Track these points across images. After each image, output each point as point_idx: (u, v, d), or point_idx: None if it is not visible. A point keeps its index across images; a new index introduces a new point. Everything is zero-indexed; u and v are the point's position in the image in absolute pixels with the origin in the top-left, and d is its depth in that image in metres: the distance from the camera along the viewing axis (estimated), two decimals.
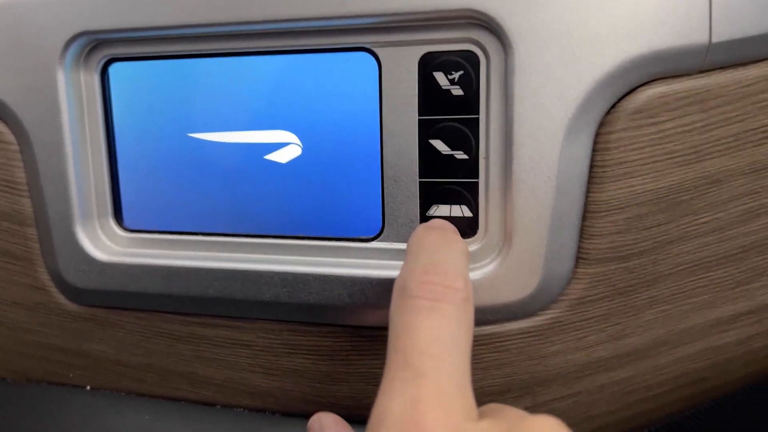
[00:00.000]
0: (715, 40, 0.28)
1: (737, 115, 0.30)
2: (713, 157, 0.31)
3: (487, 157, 0.32)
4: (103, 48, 0.36)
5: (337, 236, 0.35)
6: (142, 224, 0.38)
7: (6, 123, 0.37)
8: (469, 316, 0.25)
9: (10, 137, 0.38)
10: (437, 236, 0.29)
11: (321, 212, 0.35)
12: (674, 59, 0.29)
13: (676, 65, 0.29)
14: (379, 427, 0.21)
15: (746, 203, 0.32)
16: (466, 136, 0.32)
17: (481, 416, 0.23)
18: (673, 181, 0.31)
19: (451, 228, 0.31)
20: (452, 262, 0.26)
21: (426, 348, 0.23)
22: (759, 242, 0.34)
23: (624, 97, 0.30)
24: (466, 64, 0.31)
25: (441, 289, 0.24)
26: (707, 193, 0.32)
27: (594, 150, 0.30)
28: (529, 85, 0.29)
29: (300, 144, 0.35)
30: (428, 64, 0.32)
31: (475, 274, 0.32)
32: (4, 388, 0.43)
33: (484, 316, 0.33)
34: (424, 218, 0.33)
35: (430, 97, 0.32)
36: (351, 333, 0.35)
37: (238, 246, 0.36)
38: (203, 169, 0.36)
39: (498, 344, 0.34)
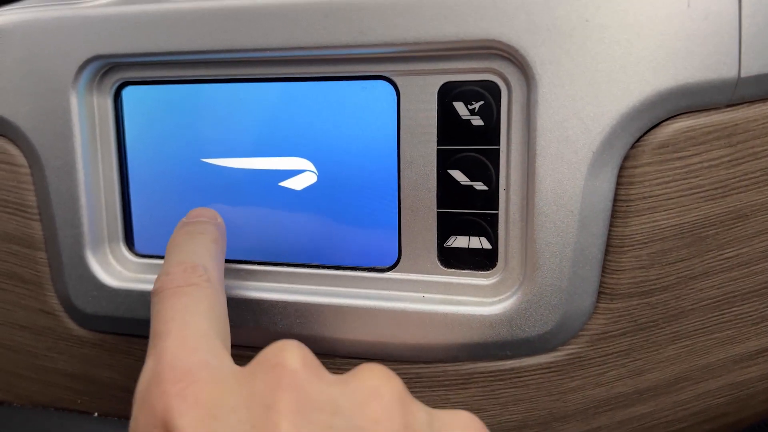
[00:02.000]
0: (744, 74, 0.28)
1: (765, 150, 0.30)
2: (739, 192, 0.30)
3: (507, 189, 0.31)
4: (116, 72, 0.35)
5: (353, 266, 0.34)
6: (154, 249, 0.37)
7: (18, 146, 0.37)
8: (212, 291, 0.27)
9: (22, 160, 0.37)
10: (183, 233, 0.30)
11: (336, 241, 0.34)
12: (702, 93, 0.28)
13: (703, 99, 0.28)
14: (135, 393, 0.23)
15: None
16: (486, 167, 0.31)
17: None
18: (698, 216, 0.30)
19: (204, 217, 0.32)
20: (193, 254, 0.28)
21: (169, 317, 0.24)
22: None
23: (649, 131, 0.29)
24: (487, 95, 0.31)
25: (180, 278, 0.26)
26: (733, 227, 0.31)
27: (618, 184, 0.30)
28: (553, 118, 0.29)
29: (315, 171, 0.34)
30: (448, 94, 0.31)
31: (494, 308, 0.31)
32: (9, 413, 0.43)
33: (503, 351, 0.32)
34: (442, 249, 0.33)
35: (449, 126, 0.32)
36: None
37: (251, 274, 0.36)
38: (216, 194, 0.36)
39: (516, 379, 0.33)
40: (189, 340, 0.23)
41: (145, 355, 0.24)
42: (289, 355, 0.22)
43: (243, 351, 0.36)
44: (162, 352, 0.23)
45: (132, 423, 0.22)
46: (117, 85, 0.36)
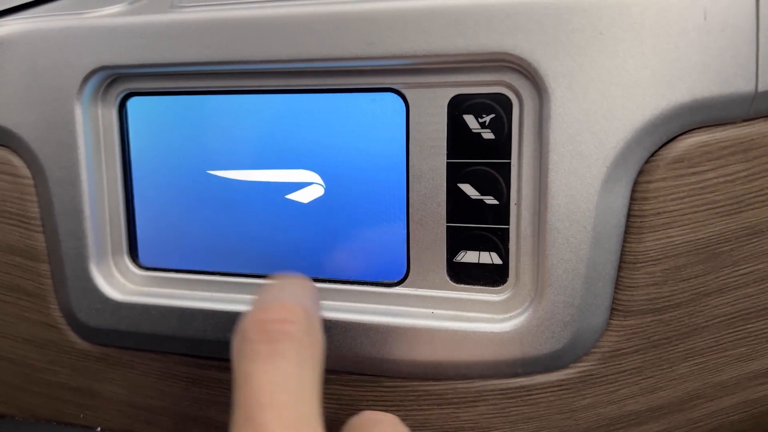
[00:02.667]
0: (761, 88, 0.27)
1: None
2: (755, 208, 0.30)
3: (518, 204, 0.31)
4: (121, 83, 0.35)
5: (360, 280, 0.34)
6: (158, 262, 0.37)
7: (21, 157, 0.36)
8: (313, 350, 0.24)
9: (25, 171, 0.37)
10: (278, 281, 0.28)
11: (343, 255, 0.34)
12: (718, 108, 0.28)
13: (719, 114, 0.28)
14: None
15: None
16: (497, 181, 0.31)
17: None
18: (713, 231, 0.30)
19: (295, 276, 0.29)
20: (292, 296, 0.25)
21: (266, 399, 0.21)
22: None
23: (664, 146, 0.29)
24: (498, 108, 0.30)
25: (278, 326, 0.23)
26: (748, 243, 0.30)
27: (632, 199, 0.29)
28: (566, 132, 0.28)
29: (323, 184, 0.34)
30: (458, 107, 0.31)
31: (504, 325, 0.31)
32: (11, 426, 0.42)
33: (513, 368, 0.31)
34: (451, 264, 0.32)
35: (459, 140, 0.31)
36: (373, 382, 0.34)
37: (257, 287, 0.35)
38: (222, 207, 0.35)
39: (527, 397, 0.32)
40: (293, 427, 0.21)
41: (231, 419, 0.22)
42: None
43: None
44: None
45: None
46: (122, 96, 0.35)
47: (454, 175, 0.31)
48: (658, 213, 0.29)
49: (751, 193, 0.29)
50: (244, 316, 0.25)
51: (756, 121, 0.29)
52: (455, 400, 0.33)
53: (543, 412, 0.33)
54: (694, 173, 0.29)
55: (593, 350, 0.31)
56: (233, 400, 0.23)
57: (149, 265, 0.37)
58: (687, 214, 0.29)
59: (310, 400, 0.22)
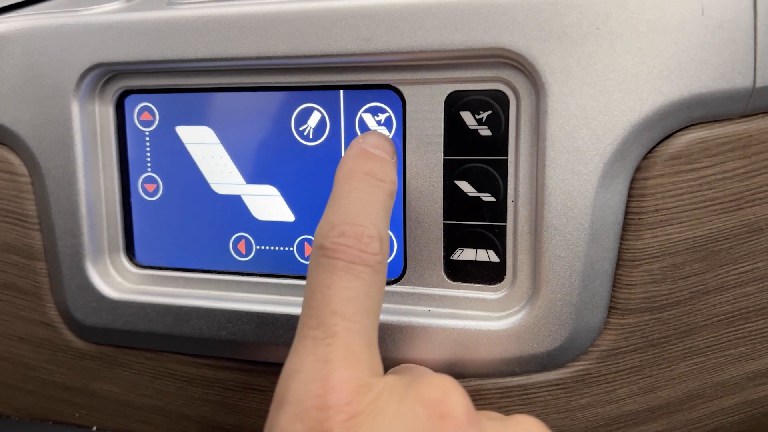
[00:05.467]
0: (759, 84, 0.27)
1: None
2: (754, 205, 0.30)
3: (515, 201, 0.30)
4: (118, 80, 0.35)
5: None
6: (155, 260, 0.37)
7: (18, 155, 0.36)
8: (382, 277, 0.26)
9: (22, 169, 0.37)
10: (364, 181, 0.27)
11: None
12: (716, 103, 0.27)
13: (717, 110, 0.28)
14: (290, 383, 0.22)
15: None
16: (494, 178, 0.31)
17: (389, 373, 0.25)
18: (711, 229, 0.29)
19: (386, 153, 0.29)
20: (371, 221, 0.26)
21: (338, 308, 0.23)
22: None
23: (662, 142, 0.28)
24: (495, 104, 0.30)
25: (356, 252, 0.25)
26: (747, 241, 0.30)
27: (629, 196, 0.29)
28: (563, 128, 0.28)
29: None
30: (455, 103, 0.31)
31: (501, 323, 0.31)
32: (6, 426, 0.42)
33: (510, 367, 0.31)
34: (448, 262, 0.32)
35: (456, 136, 0.31)
36: None
37: (254, 286, 0.35)
38: (221, 204, 0.35)
39: (524, 397, 0.32)
40: (356, 350, 0.23)
41: (298, 328, 0.24)
42: (454, 404, 0.22)
43: (245, 365, 0.35)
44: (329, 359, 0.22)
45: (283, 420, 0.22)
46: (119, 93, 0.35)
47: (451, 172, 0.31)
48: (656, 210, 0.29)
49: (749, 190, 0.29)
50: (324, 224, 0.26)
51: (754, 117, 0.28)
52: None
53: (540, 412, 0.32)
54: (692, 170, 0.28)
55: (591, 349, 0.31)
56: (303, 304, 0.25)
57: (146, 263, 0.37)
58: (685, 211, 0.29)
59: (373, 320, 0.24)
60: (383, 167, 0.28)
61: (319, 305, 0.24)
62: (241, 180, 0.34)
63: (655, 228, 0.29)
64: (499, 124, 0.30)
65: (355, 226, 0.25)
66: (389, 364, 0.33)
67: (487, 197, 0.31)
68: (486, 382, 0.32)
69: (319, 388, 0.22)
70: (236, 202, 0.35)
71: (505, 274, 0.31)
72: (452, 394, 0.22)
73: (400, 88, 0.31)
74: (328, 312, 0.23)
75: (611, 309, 0.31)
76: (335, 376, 0.22)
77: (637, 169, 0.29)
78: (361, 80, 0.31)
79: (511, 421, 0.24)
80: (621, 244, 0.30)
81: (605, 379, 0.32)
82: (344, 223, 0.25)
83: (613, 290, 0.30)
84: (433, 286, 0.32)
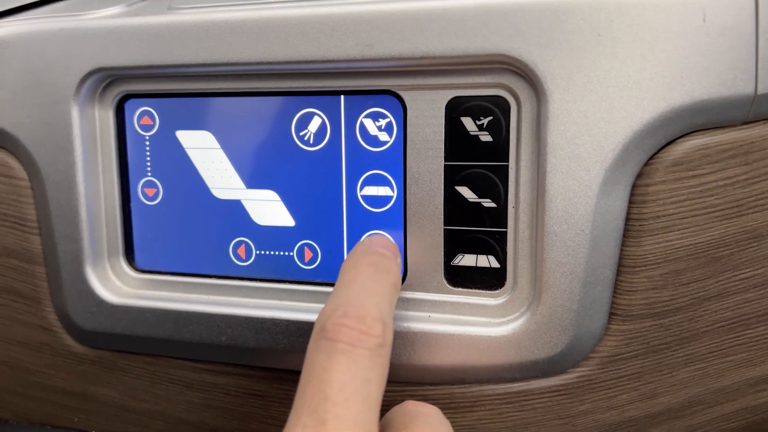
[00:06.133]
0: (761, 90, 0.27)
1: None
2: (756, 211, 0.29)
3: (516, 207, 0.30)
4: (118, 84, 0.35)
5: None
6: (155, 265, 0.37)
7: (18, 159, 0.36)
8: (383, 361, 0.25)
9: (22, 173, 0.36)
10: (369, 270, 0.28)
11: (339, 257, 0.34)
12: (718, 110, 0.27)
13: (719, 116, 0.28)
14: None
15: None
16: (495, 184, 0.31)
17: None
18: (712, 235, 0.29)
19: (390, 252, 0.30)
20: (374, 304, 0.26)
21: (332, 394, 0.23)
22: None
23: (663, 148, 0.28)
24: (496, 110, 0.30)
25: (356, 333, 0.24)
26: (748, 248, 0.30)
27: (630, 202, 0.29)
28: (564, 134, 0.28)
29: None
30: (456, 109, 0.31)
31: (502, 329, 0.31)
32: (5, 430, 0.42)
33: (510, 373, 0.31)
34: (449, 267, 0.32)
35: (456, 142, 0.31)
36: None
37: (254, 291, 0.35)
38: (221, 207, 0.35)
39: (524, 403, 0.32)
40: (351, 428, 0.22)
41: (290, 413, 0.23)
42: None
43: (245, 370, 0.35)
44: None
45: None
46: (119, 97, 0.35)
47: (452, 178, 0.31)
48: (657, 216, 0.29)
49: (751, 196, 0.29)
50: (327, 308, 0.26)
51: (756, 123, 0.28)
52: (452, 405, 0.33)
53: (541, 418, 0.32)
54: (693, 176, 0.28)
55: (591, 355, 0.31)
56: (298, 387, 0.24)
57: (146, 268, 0.37)
58: (686, 217, 0.29)
59: (370, 407, 0.23)
60: (388, 262, 0.29)
61: (314, 391, 0.23)
62: (242, 185, 0.34)
63: (656, 234, 0.29)
64: (499, 129, 0.30)
65: (359, 307, 0.25)
66: (395, 370, 0.32)
67: (488, 203, 0.31)
68: (486, 388, 0.32)
69: None
70: (236, 206, 0.35)
71: (505, 280, 0.31)
72: None
73: (401, 93, 0.31)
74: (320, 398, 0.23)
75: (612, 315, 0.31)
76: None
77: (639, 176, 0.29)
78: (362, 86, 0.31)
79: None
80: (622, 250, 0.30)
81: (606, 385, 0.32)
82: (348, 305, 0.25)
83: (613, 296, 0.30)
84: (434, 292, 0.32)
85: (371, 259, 0.28)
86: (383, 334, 0.25)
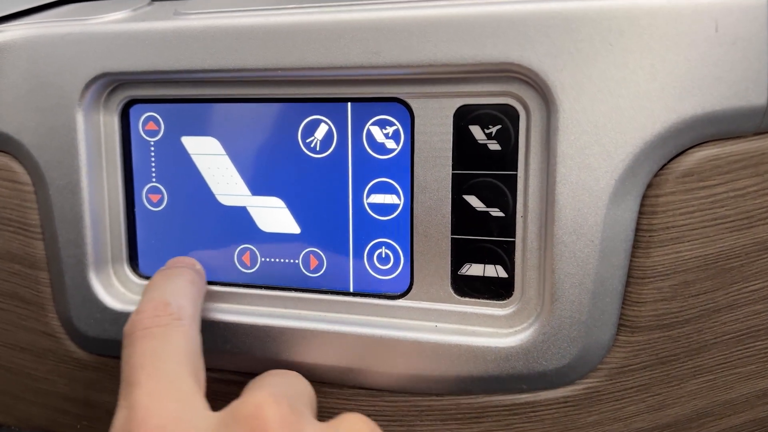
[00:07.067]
0: None
1: None
2: (766, 223, 0.29)
3: (525, 216, 0.30)
4: (123, 89, 0.35)
5: (363, 292, 0.33)
6: None
7: (22, 163, 0.36)
8: (184, 330, 0.27)
9: (26, 178, 0.36)
10: (159, 276, 0.31)
11: (346, 266, 0.33)
12: (729, 121, 0.27)
13: (730, 127, 0.27)
14: None
15: None
16: (503, 193, 0.30)
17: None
18: (722, 247, 0.29)
19: (180, 265, 0.33)
20: (166, 292, 0.29)
21: (138, 365, 0.25)
22: None
23: (674, 159, 0.28)
24: (505, 119, 0.30)
25: (149, 318, 0.27)
26: (759, 259, 0.30)
27: (640, 213, 0.29)
28: (574, 144, 0.28)
29: None
30: (464, 117, 0.30)
31: (509, 340, 0.30)
32: None
33: (518, 384, 0.31)
34: (456, 277, 0.32)
35: (465, 151, 0.31)
36: (375, 396, 0.33)
37: (258, 299, 0.35)
38: (224, 213, 0.35)
39: (531, 414, 0.32)
40: (159, 390, 0.24)
41: (117, 403, 0.25)
42: (267, 417, 0.23)
43: (248, 378, 0.35)
44: (133, 406, 0.24)
45: None
46: (124, 102, 0.35)
47: (460, 187, 0.31)
48: (667, 227, 0.29)
49: (761, 208, 0.29)
50: (129, 318, 0.28)
51: (767, 135, 0.28)
52: (459, 416, 0.32)
53: (548, 429, 0.32)
54: (703, 187, 0.28)
55: (600, 366, 0.31)
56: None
57: (149, 274, 0.36)
58: (696, 228, 0.29)
59: (178, 366, 0.26)
60: (177, 269, 0.32)
61: (124, 373, 0.26)
62: (247, 191, 0.34)
63: (665, 245, 0.29)
64: (508, 138, 0.30)
65: (150, 300, 0.28)
66: (395, 379, 0.32)
67: (496, 212, 0.31)
68: (493, 398, 0.32)
69: (125, 429, 0.24)
70: (242, 213, 0.34)
71: (513, 290, 0.31)
72: (264, 408, 0.23)
73: (409, 101, 0.31)
74: (130, 372, 0.25)
75: (621, 326, 0.30)
76: (139, 409, 0.24)
77: (649, 186, 0.28)
78: (369, 93, 0.31)
79: (336, 421, 0.25)
80: (631, 261, 0.29)
81: (614, 396, 0.31)
82: (141, 304, 0.29)
83: (622, 308, 0.30)
84: (441, 302, 0.32)
85: (162, 273, 0.32)
86: (178, 310, 0.28)
